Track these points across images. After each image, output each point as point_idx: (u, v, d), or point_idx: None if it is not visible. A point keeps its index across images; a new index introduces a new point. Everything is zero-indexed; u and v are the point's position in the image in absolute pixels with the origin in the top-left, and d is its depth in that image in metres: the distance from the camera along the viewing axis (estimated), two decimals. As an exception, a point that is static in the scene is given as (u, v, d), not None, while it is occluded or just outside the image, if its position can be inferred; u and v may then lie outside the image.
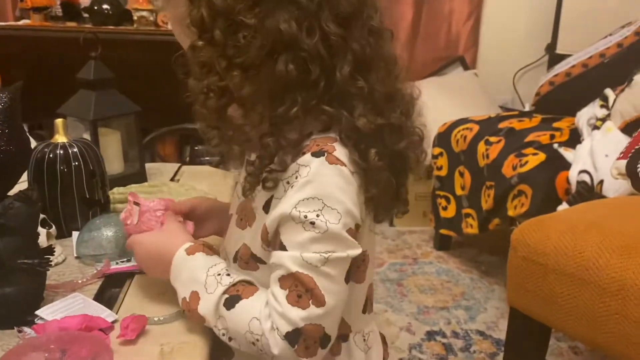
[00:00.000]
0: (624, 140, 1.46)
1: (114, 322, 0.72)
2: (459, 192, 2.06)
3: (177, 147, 2.43)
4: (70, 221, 0.96)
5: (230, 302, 0.64)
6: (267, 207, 0.65)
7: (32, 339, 0.67)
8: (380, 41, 0.63)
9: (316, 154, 0.60)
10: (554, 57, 2.48)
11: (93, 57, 1.18)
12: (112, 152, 1.22)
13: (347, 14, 0.60)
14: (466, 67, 2.84)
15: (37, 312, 0.72)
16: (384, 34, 0.64)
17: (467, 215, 2.01)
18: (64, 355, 0.62)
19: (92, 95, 1.17)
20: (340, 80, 0.60)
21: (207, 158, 2.49)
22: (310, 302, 0.59)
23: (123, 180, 1.19)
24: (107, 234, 0.89)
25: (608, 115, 1.61)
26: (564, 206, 1.50)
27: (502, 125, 1.94)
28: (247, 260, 0.69)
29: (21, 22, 2.41)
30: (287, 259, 0.60)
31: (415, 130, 0.68)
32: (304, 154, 0.61)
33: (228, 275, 0.67)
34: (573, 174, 1.54)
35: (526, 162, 1.68)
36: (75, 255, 0.90)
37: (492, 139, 1.89)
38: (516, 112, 2.19)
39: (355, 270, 0.66)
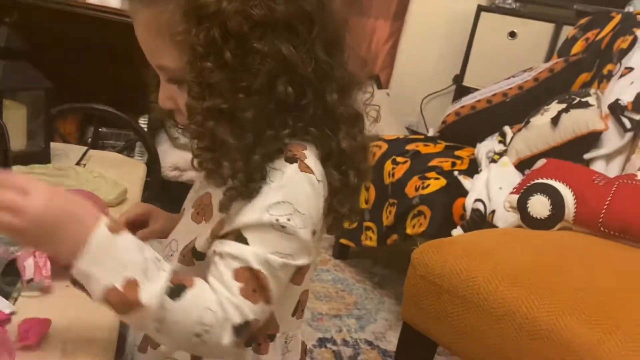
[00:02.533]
0: (516, 176, 1.59)
1: (11, 314, 0.68)
2: (362, 205, 2.14)
3: (78, 126, 2.29)
4: (-37, 198, 0.88)
5: (176, 291, 0.58)
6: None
7: None
8: (351, 67, 0.67)
9: (290, 160, 0.62)
10: (460, 88, 2.65)
11: (6, 23, 1.09)
12: (16, 127, 1.14)
13: (333, 42, 0.64)
14: (380, 86, 2.95)
15: None
16: (355, 58, 0.68)
17: (368, 228, 2.09)
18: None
19: (0, 64, 1.08)
20: (329, 104, 0.63)
21: (111, 142, 2.38)
22: (261, 299, 0.61)
23: (25, 158, 1.12)
24: (7, 217, 0.83)
25: (505, 151, 1.75)
26: (458, 230, 1.60)
27: (409, 147, 2.04)
28: (186, 253, 0.69)
29: None
30: (250, 254, 0.61)
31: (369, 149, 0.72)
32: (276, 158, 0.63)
33: (165, 261, 0.61)
34: (469, 202, 1.65)
35: (428, 185, 1.78)
36: (-34, 236, 0.83)
37: (399, 159, 1.98)
38: (422, 136, 2.31)
39: (297, 272, 0.67)
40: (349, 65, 0.66)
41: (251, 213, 0.61)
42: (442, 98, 2.91)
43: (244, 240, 0.61)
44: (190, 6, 0.59)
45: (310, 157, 0.64)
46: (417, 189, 1.81)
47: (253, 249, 0.61)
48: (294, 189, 0.62)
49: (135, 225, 0.81)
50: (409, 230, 1.82)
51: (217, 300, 0.60)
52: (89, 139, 2.23)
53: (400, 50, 2.98)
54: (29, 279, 0.71)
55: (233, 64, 0.58)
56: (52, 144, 1.25)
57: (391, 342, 1.82)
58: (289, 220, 0.61)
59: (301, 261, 0.64)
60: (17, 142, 1.13)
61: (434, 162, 1.92)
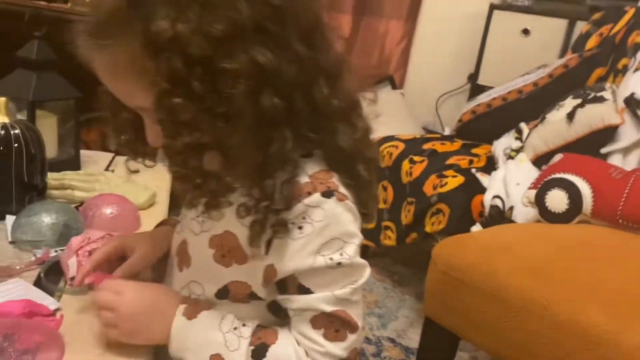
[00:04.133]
0: (534, 172, 1.61)
1: (56, 310, 0.72)
2: (381, 205, 2.16)
3: (101, 134, 2.35)
4: (5, 204, 0.93)
5: (259, 352, 0.62)
6: (266, 245, 0.61)
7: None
8: (337, 53, 0.61)
9: (326, 194, 0.59)
10: (474, 87, 2.66)
11: (36, 37, 1.14)
12: (48, 136, 1.18)
13: (309, 31, 0.57)
14: (394, 87, 2.97)
15: (-24, 296, 0.71)
16: (336, 44, 0.62)
17: (387, 227, 2.11)
18: (7, 341, 0.61)
19: (32, 75, 1.13)
20: (320, 103, 0.58)
21: (132, 149, 2.43)
22: (347, 332, 0.61)
23: (57, 165, 1.16)
24: (46, 220, 0.88)
25: (521, 147, 1.77)
26: (477, 227, 1.62)
27: (426, 146, 2.06)
28: (242, 297, 0.66)
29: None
30: (319, 301, 0.61)
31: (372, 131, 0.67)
32: (309, 193, 0.59)
33: (244, 325, 0.64)
34: (487, 198, 1.67)
35: (446, 183, 1.80)
36: (9, 239, 0.87)
37: (417, 158, 2.00)
38: (439, 135, 2.33)
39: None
40: (334, 50, 0.60)
41: (302, 259, 0.60)
42: (458, 97, 2.92)
43: (306, 291, 0.61)
44: (144, 38, 0.52)
45: (340, 181, 0.61)
46: (435, 187, 1.83)
47: (319, 295, 0.60)
48: (339, 223, 0.60)
49: (113, 261, 0.75)
50: (428, 229, 1.84)
51: (302, 352, 0.61)
52: (113, 147, 2.28)
53: (414, 50, 3.00)
54: (71, 277, 0.75)
55: (204, 93, 0.52)
56: (81, 152, 1.30)
57: (413, 339, 1.84)
58: (341, 255, 0.60)
59: (363, 278, 0.63)
60: (49, 150, 1.17)
61: (451, 160, 1.93)
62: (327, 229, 0.59)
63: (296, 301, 0.62)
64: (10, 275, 0.77)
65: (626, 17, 2.04)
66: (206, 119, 0.53)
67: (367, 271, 0.64)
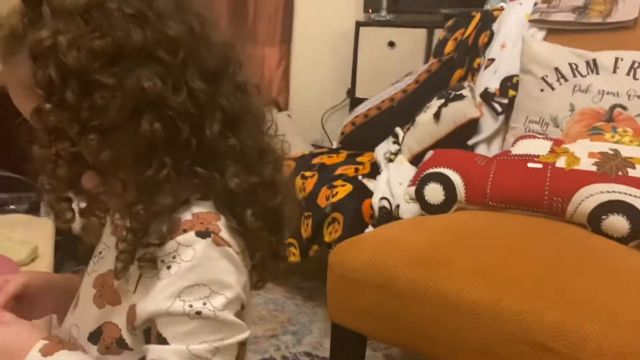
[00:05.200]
0: (412, 171, 1.73)
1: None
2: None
3: (-25, 195, 2.20)
4: None
5: None
6: (136, 283, 0.59)
7: None
8: (247, 96, 0.62)
9: (201, 235, 0.56)
10: (353, 100, 2.80)
11: None
12: None
13: (213, 69, 0.58)
14: (280, 109, 3.06)
15: None
16: (250, 88, 0.63)
17: (290, 244, 2.16)
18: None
19: None
20: (210, 138, 0.57)
21: (13, 207, 2.30)
22: None
23: None
24: None
25: (399, 150, 1.90)
26: (369, 229, 1.71)
27: (315, 161, 2.15)
28: (109, 345, 0.62)
29: None
30: (171, 354, 0.54)
31: (286, 184, 0.66)
32: (185, 231, 0.56)
33: None
34: (375, 201, 1.77)
35: (337, 193, 1.88)
36: None
37: (307, 173, 2.08)
38: (326, 149, 2.43)
39: (240, 347, 0.61)
40: (243, 93, 0.61)
41: (160, 301, 0.55)
42: (340, 111, 3.05)
43: (163, 340, 0.55)
44: (30, 47, 0.54)
45: (225, 227, 0.58)
46: (327, 198, 1.91)
47: (173, 347, 0.55)
48: (210, 268, 0.55)
49: (22, 300, 0.71)
50: (326, 238, 1.91)
51: None
52: (-11, 206, 2.14)
53: (293, 72, 3.10)
54: None
55: (77, 103, 0.53)
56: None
57: (328, 349, 1.88)
58: (204, 304, 0.54)
59: (233, 339, 0.57)
60: None
61: (339, 171, 2.03)
62: (193, 271, 0.55)
63: (150, 352, 0.56)
64: None
65: (474, 21, 2.26)
66: (78, 130, 0.54)
67: (243, 334, 0.58)
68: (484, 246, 1.29)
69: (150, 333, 0.58)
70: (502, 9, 2.17)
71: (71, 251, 1.85)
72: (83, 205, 0.58)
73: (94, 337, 0.63)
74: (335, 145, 2.68)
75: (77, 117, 0.53)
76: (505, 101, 1.76)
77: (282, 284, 2.40)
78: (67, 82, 0.53)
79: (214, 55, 0.59)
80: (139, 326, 0.58)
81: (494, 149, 1.75)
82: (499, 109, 1.77)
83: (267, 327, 2.05)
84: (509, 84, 1.80)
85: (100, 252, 0.69)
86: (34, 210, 2.18)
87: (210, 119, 0.58)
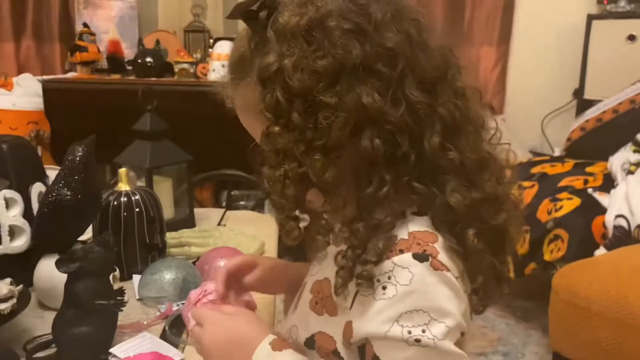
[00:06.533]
0: (660, 185, 1.48)
1: (181, 361, 0.76)
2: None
3: (213, 192, 2.50)
4: (131, 265, 1.01)
5: None
6: (352, 299, 0.57)
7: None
8: (467, 102, 0.58)
9: (419, 257, 0.53)
10: (581, 102, 2.52)
11: (149, 110, 1.25)
12: (164, 198, 1.28)
13: (432, 78, 0.55)
14: (494, 113, 2.89)
15: (111, 350, 0.77)
16: (470, 93, 0.59)
17: (502, 259, 2.02)
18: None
19: (148, 145, 1.24)
20: (429, 152, 0.54)
21: (242, 203, 2.56)
22: None
23: (174, 225, 1.24)
24: (167, 277, 0.94)
25: (642, 160, 1.64)
26: (601, 250, 1.51)
27: (534, 170, 1.97)
28: (327, 353, 0.61)
29: (69, 75, 2.55)
30: None
31: (511, 198, 0.60)
32: (401, 251, 0.54)
33: None
34: (609, 219, 1.55)
35: (561, 207, 1.70)
36: (137, 297, 0.94)
37: (526, 183, 1.92)
38: (547, 157, 2.22)
39: None
40: (463, 99, 0.57)
41: (377, 324, 0.53)
42: (564, 115, 2.77)
43: None
44: (258, 72, 0.55)
45: (443, 248, 0.54)
46: (549, 212, 1.73)
47: None
48: (428, 294, 0.52)
49: (238, 277, 0.75)
50: (546, 257, 1.73)
51: None
52: (224, 203, 2.41)
53: (511, 74, 2.91)
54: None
55: (302, 124, 0.53)
56: (195, 210, 1.39)
57: (544, 377, 1.72)
58: (424, 332, 0.52)
59: None
60: (167, 211, 1.27)
61: (564, 182, 1.83)
62: (411, 296, 0.52)
63: None
64: (139, 330, 0.83)
65: None
66: (304, 150, 0.54)
67: (461, 358, 0.53)
68: None
69: (365, 350, 0.56)
70: None
71: (296, 251, 1.97)
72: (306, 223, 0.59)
73: (309, 344, 0.64)
74: (557, 152, 2.45)
75: (303, 138, 0.54)
76: None
77: (493, 301, 2.25)
78: (293, 104, 0.53)
79: (432, 61, 0.56)
80: (354, 343, 0.57)
81: None
82: None
83: (476, 345, 1.95)
84: None
85: (320, 258, 0.68)
86: (259, 207, 2.40)
87: (430, 131, 0.55)
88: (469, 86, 0.59)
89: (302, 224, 0.60)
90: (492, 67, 2.85)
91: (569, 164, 2.00)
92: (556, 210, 1.69)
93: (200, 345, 0.64)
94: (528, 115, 2.86)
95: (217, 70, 2.31)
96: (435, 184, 0.56)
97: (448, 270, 0.53)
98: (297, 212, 0.57)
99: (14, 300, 0.77)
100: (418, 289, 0.52)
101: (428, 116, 0.54)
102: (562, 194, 1.75)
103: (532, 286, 2.27)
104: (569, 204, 1.69)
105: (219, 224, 1.36)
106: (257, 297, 0.76)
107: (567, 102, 2.73)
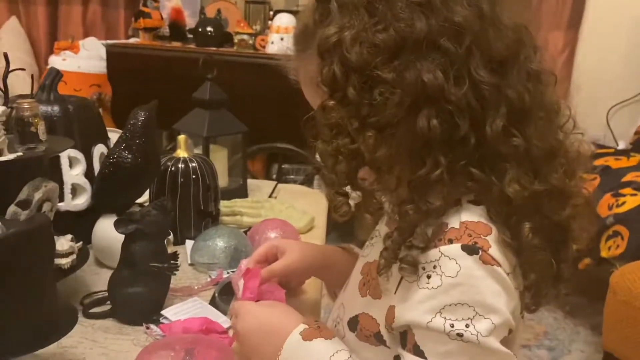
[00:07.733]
0: None
1: (228, 328, 0.78)
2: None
3: (264, 164, 2.53)
4: (185, 230, 1.03)
5: None
6: (397, 284, 0.57)
7: (161, 340, 0.73)
8: (540, 86, 0.54)
9: (468, 250, 0.51)
10: (653, 95, 2.39)
11: (209, 79, 1.26)
12: (220, 167, 1.29)
13: (502, 57, 0.52)
14: (557, 101, 2.78)
15: (163, 312, 0.79)
16: (545, 77, 0.55)
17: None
18: (188, 355, 0.67)
19: (206, 114, 1.25)
20: (491, 136, 0.51)
21: (292, 177, 2.57)
22: None
23: (227, 194, 1.26)
24: (220, 244, 0.95)
25: None
26: (664, 251, 1.44)
27: (597, 162, 1.89)
28: (369, 335, 0.61)
29: (132, 40, 2.60)
30: None
31: (581, 193, 0.57)
32: (450, 241, 0.52)
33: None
34: (676, 219, 1.47)
35: (624, 203, 1.63)
36: (189, 262, 0.96)
37: (587, 176, 1.84)
38: (612, 150, 2.12)
39: None
40: (536, 83, 0.54)
41: (420, 312, 0.52)
42: (632, 107, 2.64)
43: (420, 353, 0.52)
44: (318, 43, 0.54)
45: (496, 242, 0.52)
46: (610, 208, 1.66)
47: None
48: (475, 288, 0.50)
49: (268, 263, 0.78)
50: (603, 253, 1.67)
51: None
52: (274, 175, 2.43)
53: (578, 61, 2.78)
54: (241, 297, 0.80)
55: (358, 100, 0.52)
56: (248, 180, 1.40)
57: (591, 376, 1.67)
58: (467, 327, 0.50)
59: None
60: (221, 180, 1.28)
61: (628, 177, 1.75)
62: (456, 288, 0.50)
63: (406, 358, 0.53)
64: (190, 295, 0.85)
65: None
66: (357, 126, 0.53)
67: (507, 356, 0.51)
68: None
69: (407, 336, 0.55)
70: None
71: (344, 227, 1.97)
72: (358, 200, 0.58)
73: (352, 324, 0.63)
74: (622, 145, 2.33)
75: (357, 114, 0.52)
76: None
77: (547, 300, 2.20)
78: (349, 79, 0.52)
79: (504, 40, 0.52)
80: (397, 328, 0.56)
81: None
82: None
83: (520, 336, 1.91)
84: None
85: (372, 238, 0.68)
86: (308, 181, 2.41)
87: (494, 114, 0.51)
88: (544, 69, 0.55)
89: (352, 202, 0.59)
90: (559, 52, 2.73)
91: (635, 158, 1.90)
92: (618, 206, 1.62)
93: (235, 336, 0.67)
94: (592, 105, 2.72)
95: (275, 42, 2.31)
96: (494, 172, 0.53)
97: (499, 265, 0.51)
98: (347, 189, 0.56)
99: (74, 256, 0.80)
100: (464, 282, 0.50)
101: (493, 98, 0.51)
102: (625, 189, 1.68)
103: (584, 282, 2.19)
104: (632, 200, 1.61)
105: (270, 196, 1.37)
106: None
107: (636, 93, 2.59)
